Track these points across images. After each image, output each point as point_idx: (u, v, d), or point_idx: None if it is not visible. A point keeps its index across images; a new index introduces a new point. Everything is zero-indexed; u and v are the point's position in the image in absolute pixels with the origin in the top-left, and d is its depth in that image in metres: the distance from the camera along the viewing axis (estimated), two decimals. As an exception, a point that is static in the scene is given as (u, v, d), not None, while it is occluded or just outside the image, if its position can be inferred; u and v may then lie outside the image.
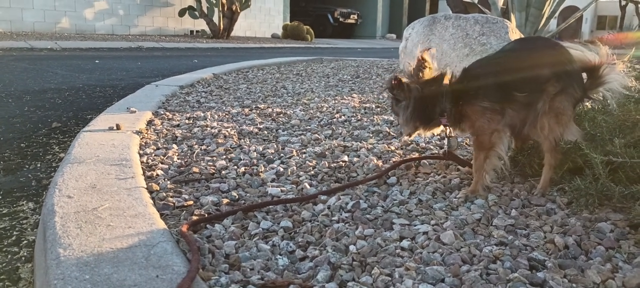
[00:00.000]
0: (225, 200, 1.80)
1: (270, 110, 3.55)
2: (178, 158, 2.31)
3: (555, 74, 1.78)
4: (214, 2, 14.86)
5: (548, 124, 1.81)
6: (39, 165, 2.49)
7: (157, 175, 2.06)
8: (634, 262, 1.36)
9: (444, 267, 1.32)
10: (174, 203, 1.75)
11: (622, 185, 1.62)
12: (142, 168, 2.10)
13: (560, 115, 1.79)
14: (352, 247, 1.44)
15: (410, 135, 2.07)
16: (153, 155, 2.36)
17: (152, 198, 1.79)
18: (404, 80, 1.87)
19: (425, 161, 2.25)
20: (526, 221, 1.64)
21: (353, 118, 3.29)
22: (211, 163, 2.24)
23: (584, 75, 1.85)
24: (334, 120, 3.23)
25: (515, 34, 5.48)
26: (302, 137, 2.76)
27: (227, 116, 3.34)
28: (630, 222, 1.57)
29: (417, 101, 1.87)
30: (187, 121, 3.14)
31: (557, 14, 9.07)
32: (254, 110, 3.54)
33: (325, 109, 3.63)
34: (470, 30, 5.67)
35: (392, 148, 2.53)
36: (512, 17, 8.14)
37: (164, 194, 1.83)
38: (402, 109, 1.91)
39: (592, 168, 1.69)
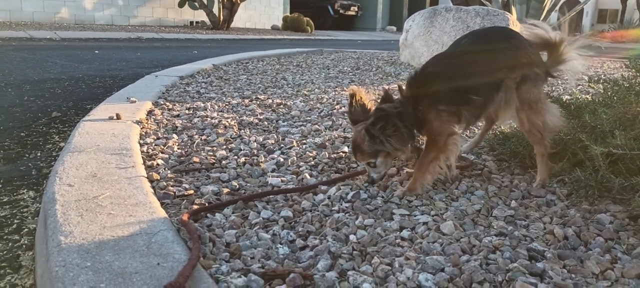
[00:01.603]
0: (225, 190, 1.80)
1: (270, 101, 3.55)
2: (178, 148, 2.31)
3: (512, 65, 1.76)
4: (214, -7, 14.81)
5: (526, 118, 1.80)
6: (39, 154, 2.49)
7: (158, 164, 2.06)
8: (633, 253, 1.37)
9: (444, 257, 1.33)
10: (174, 193, 1.75)
11: (622, 177, 1.62)
12: (142, 157, 2.10)
13: (533, 103, 1.78)
14: (352, 237, 1.45)
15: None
16: (153, 144, 2.36)
17: (153, 187, 1.79)
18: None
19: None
20: (526, 212, 1.65)
21: (353, 109, 3.28)
22: (211, 153, 2.24)
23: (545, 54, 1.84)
24: (334, 111, 3.22)
25: (515, 27, 5.46)
26: (303, 127, 2.76)
27: (227, 107, 3.33)
28: (630, 213, 1.58)
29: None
30: (187, 111, 3.13)
31: (558, 7, 9.04)
32: (254, 101, 3.54)
33: (325, 100, 3.63)
34: (471, 22, 5.65)
35: (393, 139, 2.52)
36: (513, 9, 8.12)
37: (165, 183, 1.83)
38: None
39: (592, 160, 1.70)
